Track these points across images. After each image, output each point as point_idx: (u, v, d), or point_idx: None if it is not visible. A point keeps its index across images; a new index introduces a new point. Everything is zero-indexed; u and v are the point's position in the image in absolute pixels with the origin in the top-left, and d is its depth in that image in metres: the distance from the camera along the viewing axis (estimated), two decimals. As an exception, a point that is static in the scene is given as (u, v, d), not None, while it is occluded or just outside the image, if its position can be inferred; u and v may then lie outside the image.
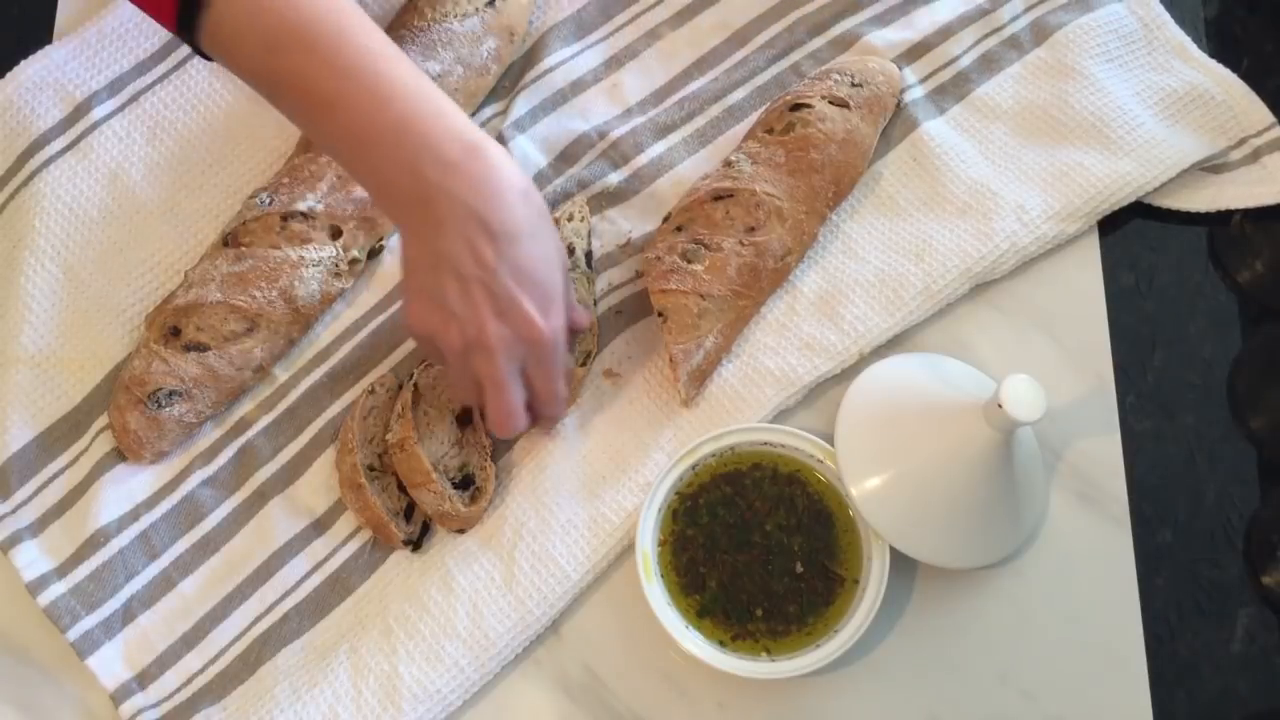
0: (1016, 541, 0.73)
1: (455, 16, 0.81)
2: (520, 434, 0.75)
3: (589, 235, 0.79)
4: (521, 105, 0.85)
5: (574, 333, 0.73)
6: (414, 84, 0.65)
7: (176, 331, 0.76)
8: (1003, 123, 0.83)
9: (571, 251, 0.78)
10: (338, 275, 0.78)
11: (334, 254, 0.78)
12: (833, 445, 0.72)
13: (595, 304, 0.79)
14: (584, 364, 0.76)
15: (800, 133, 0.78)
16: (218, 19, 0.63)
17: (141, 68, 0.86)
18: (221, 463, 0.77)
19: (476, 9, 0.82)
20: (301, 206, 0.77)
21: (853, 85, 0.80)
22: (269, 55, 0.64)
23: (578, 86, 0.86)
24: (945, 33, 0.85)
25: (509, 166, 0.66)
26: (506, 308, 0.66)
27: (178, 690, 0.72)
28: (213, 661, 0.73)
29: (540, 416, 0.73)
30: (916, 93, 0.84)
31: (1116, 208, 0.80)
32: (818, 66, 0.85)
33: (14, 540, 0.75)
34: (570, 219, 0.79)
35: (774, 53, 0.87)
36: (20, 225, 0.81)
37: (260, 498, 0.77)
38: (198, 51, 0.67)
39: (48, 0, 0.89)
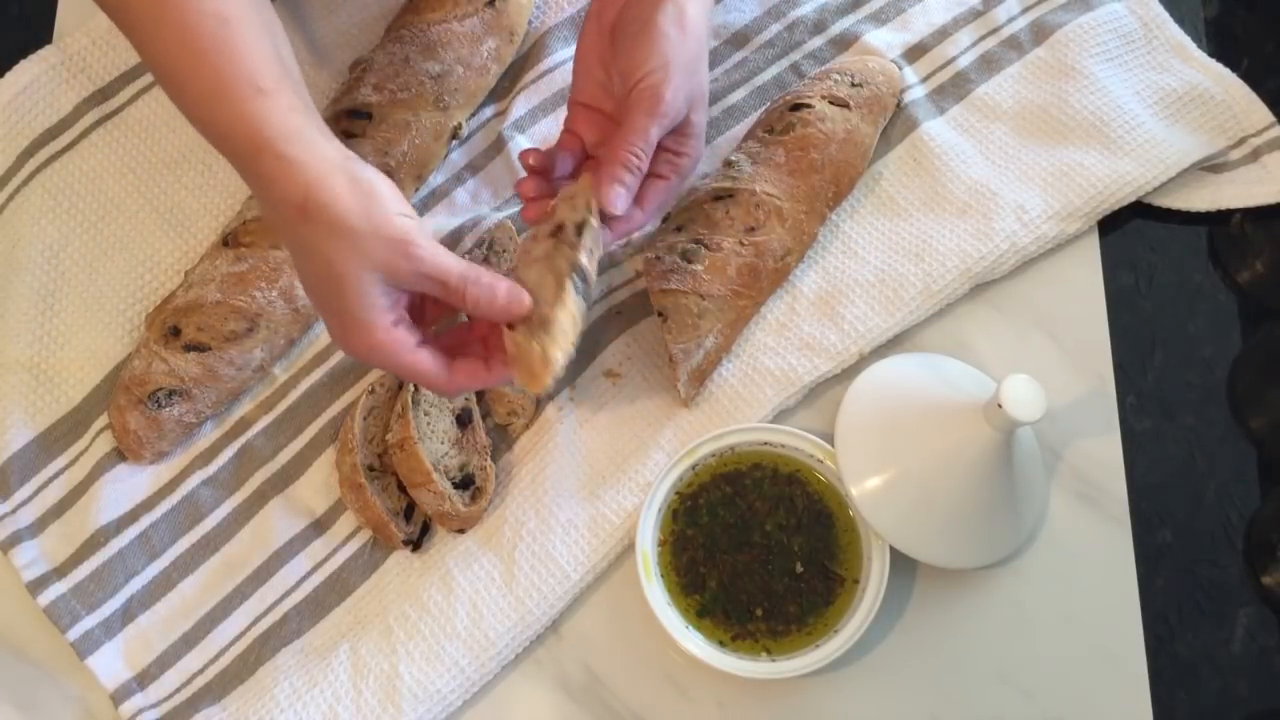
0: (1016, 541, 0.73)
1: (455, 16, 0.81)
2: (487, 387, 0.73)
3: (588, 207, 0.70)
4: (521, 105, 0.85)
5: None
6: (227, 63, 0.60)
7: (176, 331, 0.76)
8: (1003, 123, 0.83)
9: (560, 230, 0.72)
10: (338, 275, 0.78)
11: (334, 254, 0.78)
12: (833, 445, 0.72)
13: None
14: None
15: (800, 133, 0.78)
16: None
17: (141, 68, 0.86)
18: (221, 463, 0.78)
19: (476, 9, 0.82)
20: (301, 206, 0.77)
21: (853, 85, 0.80)
22: (115, 11, 0.62)
23: (578, 87, 0.86)
24: (943, 33, 0.86)
25: (287, 176, 0.59)
26: (323, 318, 0.64)
27: (178, 690, 0.72)
28: (213, 661, 0.73)
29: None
30: (916, 93, 0.84)
31: (1116, 208, 0.80)
32: (818, 66, 0.85)
33: (14, 540, 0.75)
34: (571, 197, 0.71)
35: (774, 53, 0.87)
36: (20, 225, 0.81)
37: (260, 498, 0.77)
38: None
39: (48, 0, 0.89)
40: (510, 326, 0.65)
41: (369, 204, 0.59)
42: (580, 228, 0.69)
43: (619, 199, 0.68)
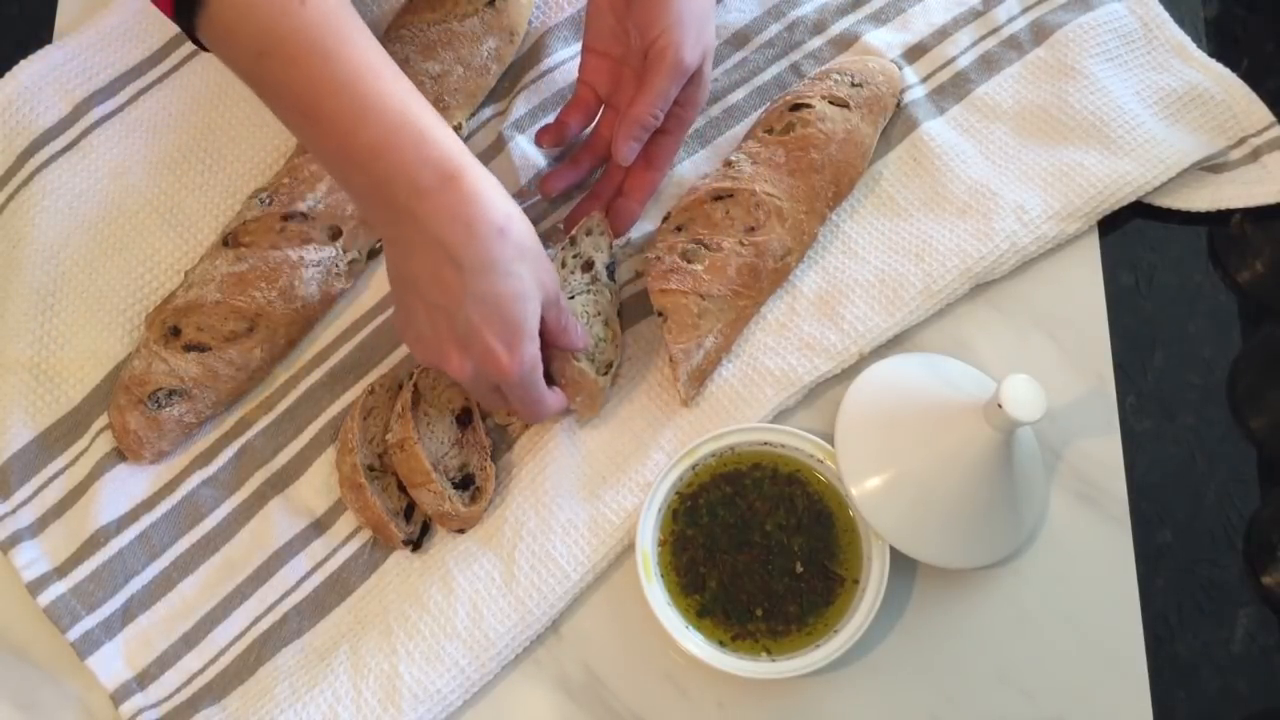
0: (1016, 541, 0.73)
1: (455, 16, 0.81)
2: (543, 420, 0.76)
3: (609, 247, 0.79)
4: (521, 105, 0.85)
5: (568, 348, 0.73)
6: (398, 104, 0.62)
7: (176, 331, 0.76)
8: (1003, 123, 0.83)
9: (590, 266, 0.77)
10: (337, 275, 0.78)
11: (334, 254, 0.78)
12: (833, 445, 0.72)
13: (619, 314, 0.79)
14: (606, 373, 0.76)
15: (800, 133, 0.78)
16: (214, 13, 0.62)
17: (141, 68, 0.86)
18: (221, 463, 0.77)
19: (476, 9, 0.82)
20: (301, 206, 0.77)
21: (853, 85, 0.80)
22: (258, 58, 0.62)
23: (578, 87, 0.86)
24: (943, 33, 0.86)
25: (487, 199, 0.63)
26: (469, 342, 0.65)
27: (178, 690, 0.72)
28: (213, 661, 0.73)
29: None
30: (916, 93, 0.84)
31: (1116, 208, 0.80)
32: (818, 66, 0.85)
33: (14, 540, 0.75)
34: (589, 233, 0.78)
35: (774, 53, 0.87)
36: (20, 225, 0.81)
37: (260, 498, 0.77)
38: (196, 43, 0.66)
39: (48, 0, 0.89)
40: (575, 359, 0.74)
41: (537, 237, 0.67)
42: (611, 269, 0.78)
43: (631, 153, 0.76)
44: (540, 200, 0.83)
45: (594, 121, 0.82)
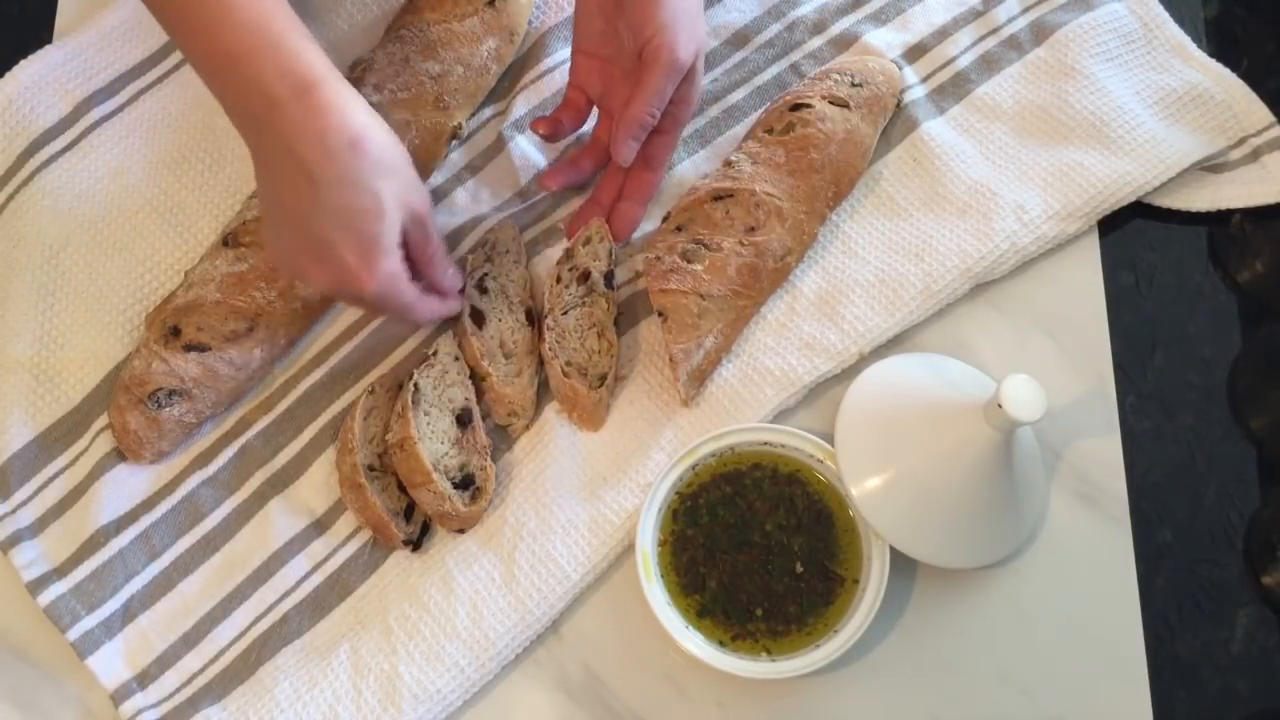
0: (1016, 541, 0.73)
1: (455, 16, 0.81)
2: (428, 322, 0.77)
3: (609, 255, 0.79)
4: (521, 105, 0.85)
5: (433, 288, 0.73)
6: (259, 14, 0.63)
7: (176, 331, 0.76)
8: (1003, 123, 0.83)
9: (586, 276, 0.78)
10: (338, 275, 0.78)
11: (334, 254, 0.78)
12: (833, 445, 0.72)
13: (616, 322, 0.79)
14: (600, 385, 0.76)
15: (800, 133, 0.78)
16: None
17: (141, 68, 0.86)
18: (221, 463, 0.77)
19: (476, 9, 0.82)
20: (301, 206, 0.77)
21: (853, 85, 0.80)
22: None
23: (577, 87, 0.86)
24: (943, 33, 0.86)
25: (341, 111, 0.63)
26: (323, 255, 0.65)
27: (178, 690, 0.72)
28: (213, 661, 0.73)
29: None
30: (916, 93, 0.84)
31: (1116, 208, 0.80)
32: (818, 66, 0.85)
33: (14, 540, 0.75)
34: (588, 241, 0.79)
35: (774, 53, 0.87)
36: (20, 225, 0.81)
37: (260, 498, 0.77)
38: None
39: (48, 0, 0.89)
40: (566, 375, 0.75)
41: (405, 154, 0.67)
42: (609, 277, 0.78)
43: (630, 153, 0.76)
44: (542, 199, 0.83)
45: (585, 124, 0.82)
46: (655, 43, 0.72)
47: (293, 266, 0.68)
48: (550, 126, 0.80)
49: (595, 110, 0.81)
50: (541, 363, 0.77)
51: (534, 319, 0.79)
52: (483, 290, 0.78)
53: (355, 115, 0.64)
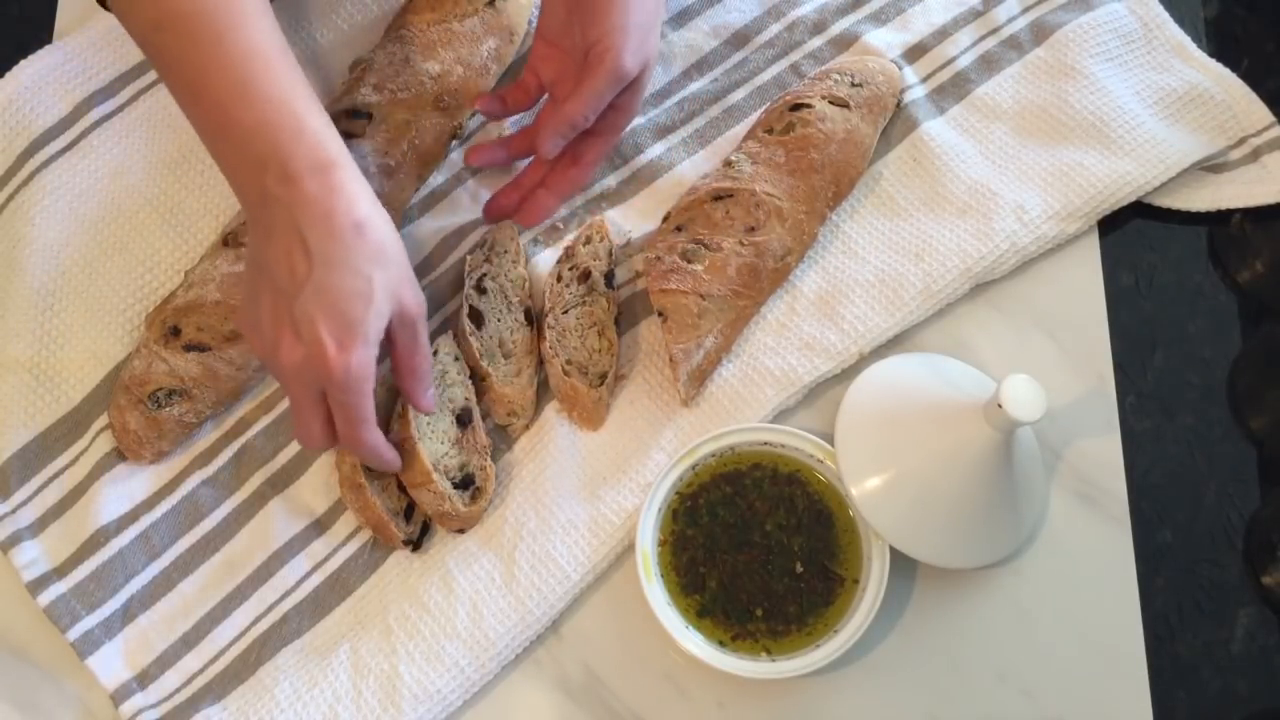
0: (1016, 541, 0.73)
1: (455, 16, 0.81)
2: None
3: (609, 255, 0.79)
4: (521, 106, 0.85)
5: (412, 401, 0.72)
6: (281, 92, 0.64)
7: (176, 331, 0.76)
8: (1003, 123, 0.83)
9: (587, 275, 0.78)
10: (338, 275, 0.78)
11: (334, 254, 0.78)
12: (833, 445, 0.72)
13: (617, 322, 0.79)
14: (600, 384, 0.76)
15: (800, 133, 0.78)
16: None
17: (141, 68, 0.86)
18: (221, 463, 0.77)
19: (476, 9, 0.82)
20: (301, 206, 0.77)
21: (853, 85, 0.80)
22: (154, 30, 0.65)
23: (577, 87, 0.86)
24: (943, 33, 0.86)
25: (351, 195, 0.64)
26: (302, 329, 0.64)
27: (178, 690, 0.72)
28: (213, 661, 0.73)
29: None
30: (916, 93, 0.84)
31: (1116, 208, 0.80)
32: (818, 66, 0.85)
33: (14, 540, 0.75)
34: (588, 241, 0.79)
35: (774, 53, 0.87)
36: (20, 225, 0.81)
37: (260, 498, 0.77)
38: (102, 4, 0.69)
39: (48, 0, 0.89)
40: (566, 374, 0.74)
41: (402, 245, 0.67)
42: (610, 277, 0.78)
43: (555, 148, 0.76)
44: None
45: (531, 107, 0.82)
46: (601, 46, 0.72)
47: (264, 335, 0.66)
48: (491, 103, 0.81)
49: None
50: (541, 362, 0.77)
51: (533, 319, 0.79)
52: (481, 290, 0.78)
53: (363, 202, 0.65)
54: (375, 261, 0.64)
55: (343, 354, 0.63)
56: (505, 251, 0.80)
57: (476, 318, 0.77)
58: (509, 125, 0.85)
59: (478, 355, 0.76)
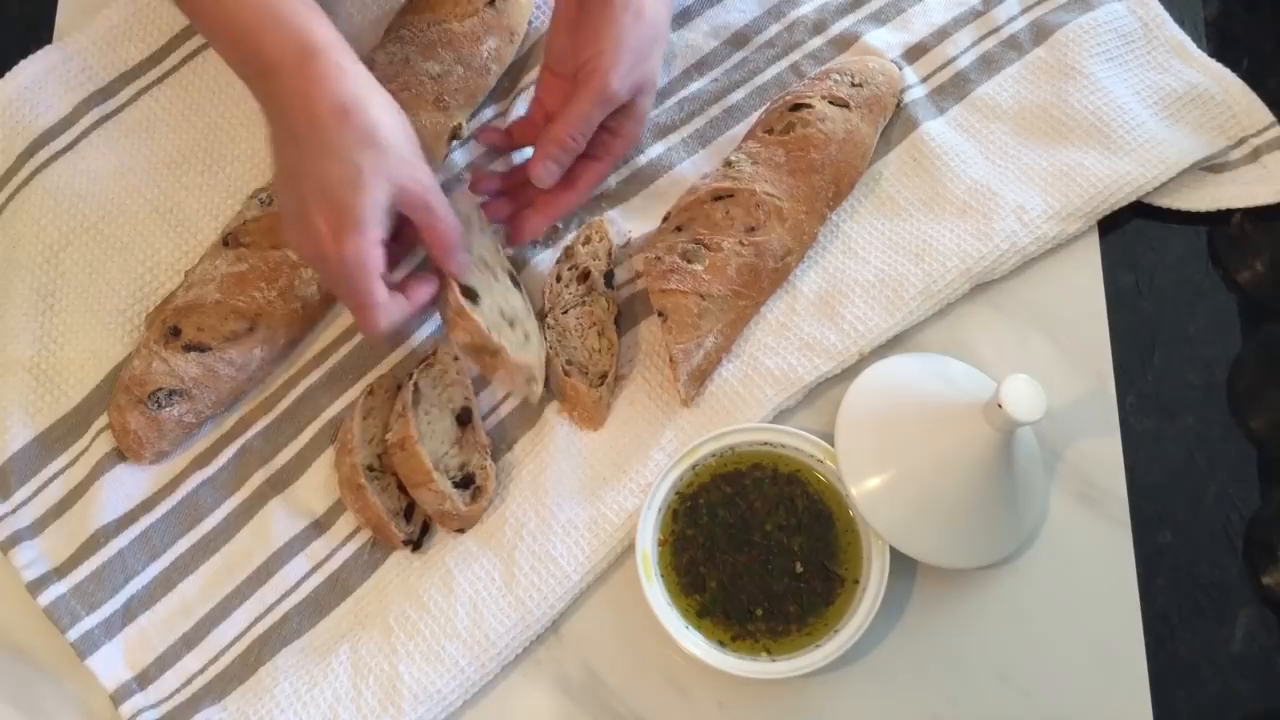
0: (1016, 541, 0.73)
1: (455, 17, 0.81)
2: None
3: (609, 255, 0.79)
4: (521, 106, 0.85)
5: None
6: None
7: (176, 331, 0.76)
8: (1003, 123, 0.83)
9: (586, 276, 0.78)
10: (338, 275, 0.78)
11: (334, 254, 0.78)
12: (833, 445, 0.72)
13: (617, 322, 0.79)
14: (600, 384, 0.76)
15: (800, 133, 0.78)
16: None
17: (141, 68, 0.86)
18: (221, 463, 0.77)
19: (476, 9, 0.82)
20: (301, 206, 0.77)
21: (853, 85, 0.80)
22: None
23: (577, 87, 0.86)
24: (943, 33, 0.86)
25: (335, 80, 0.64)
26: (301, 218, 0.65)
27: (178, 690, 0.72)
28: (213, 661, 0.73)
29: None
30: (916, 93, 0.84)
31: (1116, 208, 0.80)
32: (818, 66, 0.85)
33: (14, 540, 0.75)
34: (587, 241, 0.78)
35: (774, 53, 0.87)
36: (20, 225, 0.81)
37: (260, 498, 0.77)
38: None
39: (48, 0, 0.89)
40: (567, 374, 0.74)
41: (404, 127, 0.66)
42: (610, 277, 0.77)
43: (549, 175, 0.75)
44: None
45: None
46: (590, 66, 0.72)
47: (284, 229, 0.69)
48: (495, 137, 0.81)
49: None
50: (544, 319, 0.77)
51: (518, 281, 0.77)
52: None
53: (348, 86, 0.64)
54: (364, 146, 0.64)
55: (337, 243, 0.64)
56: (470, 222, 0.76)
57: (470, 295, 0.73)
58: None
59: (485, 331, 0.71)
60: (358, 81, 0.65)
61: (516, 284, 0.77)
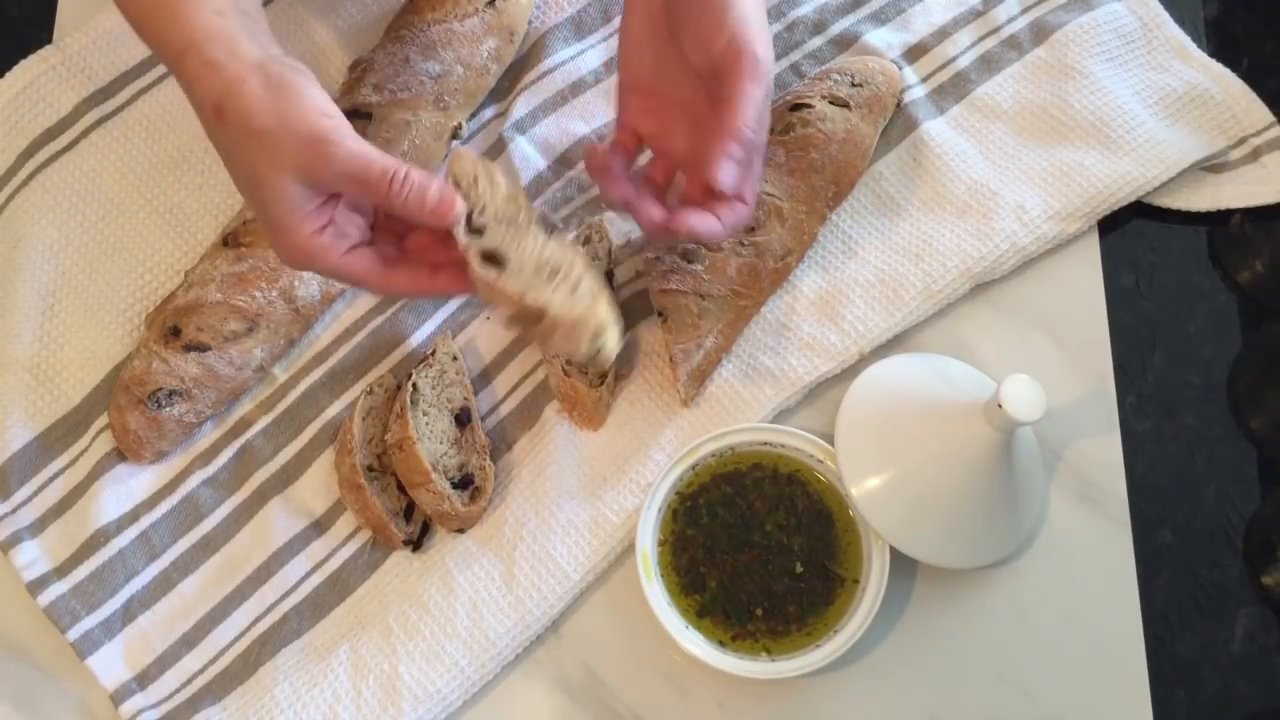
0: (1016, 541, 0.73)
1: (455, 16, 0.81)
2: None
3: (609, 255, 0.78)
4: (521, 107, 0.85)
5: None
6: None
7: (176, 331, 0.76)
8: (1003, 123, 0.83)
9: None
10: (338, 275, 0.78)
11: (334, 254, 0.78)
12: (833, 445, 0.72)
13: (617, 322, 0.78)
14: (600, 384, 0.76)
15: (800, 133, 0.78)
16: None
17: (141, 68, 0.86)
18: (221, 463, 0.78)
19: (476, 9, 0.82)
20: (301, 206, 0.77)
21: (853, 85, 0.80)
22: None
23: (578, 88, 0.86)
24: (943, 33, 0.86)
25: (205, 82, 0.58)
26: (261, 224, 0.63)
27: (178, 690, 0.72)
28: (213, 661, 0.73)
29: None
30: (916, 93, 0.84)
31: (1116, 208, 0.80)
32: (818, 66, 0.85)
33: (14, 540, 0.75)
34: (587, 241, 0.78)
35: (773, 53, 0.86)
36: (20, 225, 0.81)
37: (260, 498, 0.77)
38: None
39: (48, 0, 0.89)
40: (567, 374, 0.73)
41: (282, 104, 0.58)
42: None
43: (731, 175, 0.64)
44: (543, 201, 0.82)
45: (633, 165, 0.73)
46: (735, 46, 0.64)
47: None
48: (596, 159, 0.70)
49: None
50: (595, 259, 0.71)
51: (553, 224, 0.66)
52: (479, 231, 0.63)
53: (216, 84, 0.58)
54: (248, 140, 0.58)
55: (278, 242, 0.61)
56: (475, 181, 0.64)
57: (493, 260, 0.63)
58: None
59: (518, 296, 0.62)
60: (226, 73, 0.58)
61: (552, 229, 0.65)
